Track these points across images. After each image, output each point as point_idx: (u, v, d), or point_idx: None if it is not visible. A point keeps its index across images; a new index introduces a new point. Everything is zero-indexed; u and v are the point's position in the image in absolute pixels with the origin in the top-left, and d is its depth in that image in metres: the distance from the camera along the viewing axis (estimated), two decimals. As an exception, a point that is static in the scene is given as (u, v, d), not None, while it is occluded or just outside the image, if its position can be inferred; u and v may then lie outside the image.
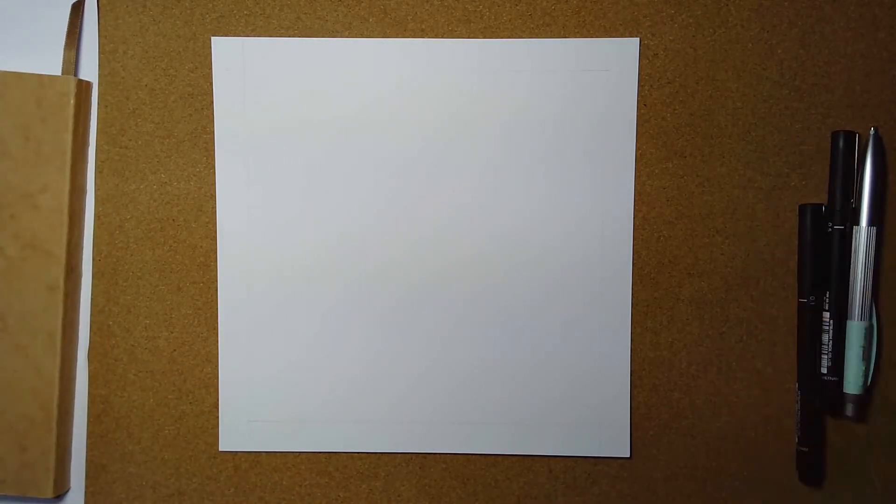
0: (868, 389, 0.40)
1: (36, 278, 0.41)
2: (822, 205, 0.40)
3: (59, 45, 0.43)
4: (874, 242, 0.40)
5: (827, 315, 0.40)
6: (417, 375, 0.42)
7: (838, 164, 0.40)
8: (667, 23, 0.41)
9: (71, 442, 0.43)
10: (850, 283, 0.40)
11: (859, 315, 0.40)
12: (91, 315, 0.42)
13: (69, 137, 0.41)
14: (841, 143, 0.40)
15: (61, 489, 0.42)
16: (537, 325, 0.42)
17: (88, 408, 0.43)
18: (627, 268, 0.42)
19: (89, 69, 0.43)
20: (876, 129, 0.40)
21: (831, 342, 0.40)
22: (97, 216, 0.42)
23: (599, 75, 0.41)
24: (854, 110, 0.41)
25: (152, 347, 0.43)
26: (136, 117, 0.42)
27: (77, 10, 0.43)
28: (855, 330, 0.40)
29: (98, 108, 0.42)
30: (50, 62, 0.43)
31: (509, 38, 0.41)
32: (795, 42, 0.41)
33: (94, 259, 0.42)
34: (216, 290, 0.42)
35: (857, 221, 0.40)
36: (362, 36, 0.42)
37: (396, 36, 0.42)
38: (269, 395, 0.42)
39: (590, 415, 0.42)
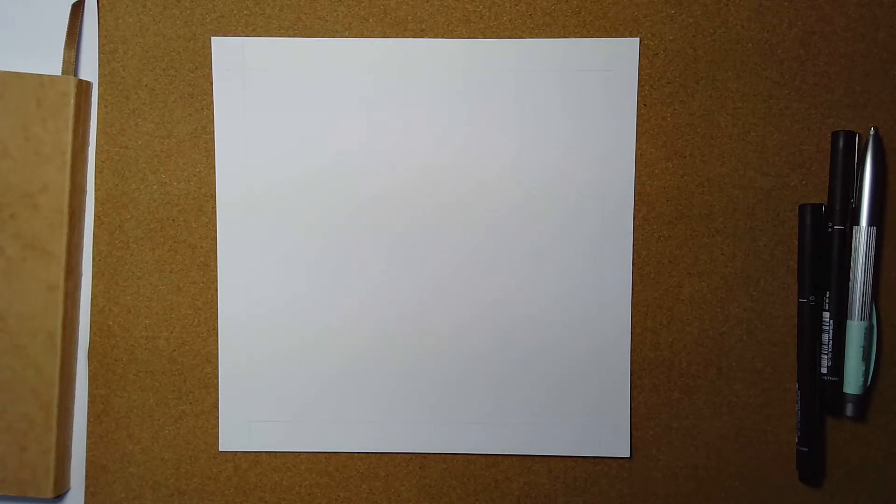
0: (868, 389, 0.40)
1: (36, 278, 0.41)
2: (822, 205, 0.40)
3: (59, 45, 0.43)
4: (874, 242, 0.40)
5: (827, 315, 0.40)
6: (417, 375, 0.42)
7: (838, 164, 0.40)
8: (667, 23, 0.41)
9: (71, 442, 0.43)
10: (850, 283, 0.40)
11: (859, 315, 0.40)
12: (91, 315, 0.42)
13: (69, 137, 0.41)
14: (841, 143, 0.40)
15: (61, 489, 0.42)
16: (537, 324, 0.42)
17: (88, 408, 0.43)
18: (627, 268, 0.42)
19: (89, 69, 0.43)
20: (876, 129, 0.40)
21: (831, 342, 0.40)
22: (97, 216, 0.42)
23: (599, 75, 0.41)
24: (854, 110, 0.41)
25: (152, 347, 0.43)
26: (136, 117, 0.42)
27: (77, 10, 0.43)
28: (855, 330, 0.40)
29: (98, 108, 0.42)
30: (50, 62, 0.43)
31: (510, 38, 0.41)
32: (795, 42, 0.41)
33: (94, 259, 0.42)
34: (216, 290, 0.42)
35: (857, 221, 0.40)
36: (362, 36, 0.42)
37: (396, 36, 0.42)
38: (269, 395, 0.42)
39: (590, 415, 0.42)
